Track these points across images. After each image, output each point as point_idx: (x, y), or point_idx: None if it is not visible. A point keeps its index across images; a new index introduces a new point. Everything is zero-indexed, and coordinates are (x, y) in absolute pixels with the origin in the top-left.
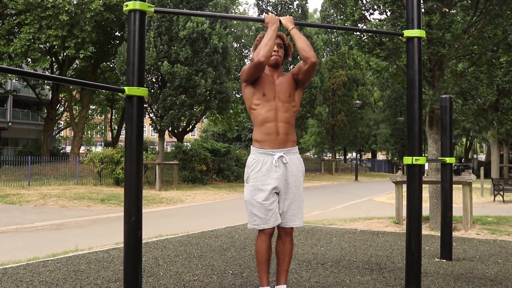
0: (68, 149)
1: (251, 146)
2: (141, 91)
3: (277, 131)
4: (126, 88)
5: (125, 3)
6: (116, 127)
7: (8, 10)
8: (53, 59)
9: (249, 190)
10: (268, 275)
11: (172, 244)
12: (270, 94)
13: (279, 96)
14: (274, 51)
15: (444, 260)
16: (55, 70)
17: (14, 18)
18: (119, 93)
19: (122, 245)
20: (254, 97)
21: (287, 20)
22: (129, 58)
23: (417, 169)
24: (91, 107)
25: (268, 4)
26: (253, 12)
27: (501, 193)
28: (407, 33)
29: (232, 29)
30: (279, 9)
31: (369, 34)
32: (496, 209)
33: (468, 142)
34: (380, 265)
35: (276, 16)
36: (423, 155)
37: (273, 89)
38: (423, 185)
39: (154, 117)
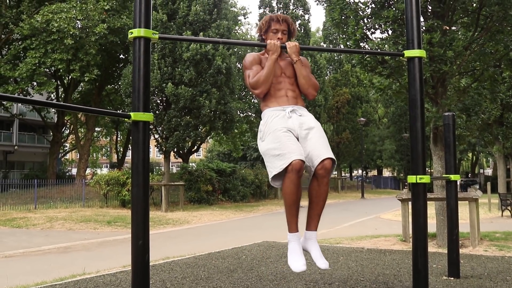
0: (74, 171)
1: (262, 112)
2: (147, 116)
3: (286, 95)
4: (132, 113)
5: (130, 31)
6: (121, 149)
7: (14, 35)
8: (59, 82)
9: (266, 140)
10: (297, 219)
11: (179, 266)
12: (277, 71)
13: (285, 72)
14: (279, 38)
15: (452, 278)
16: (60, 93)
17: (20, 43)
18: (125, 119)
19: (130, 268)
20: None
21: (292, 50)
22: (135, 84)
23: (422, 188)
24: (96, 129)
25: None
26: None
27: (509, 208)
28: (408, 53)
29: (235, 49)
30: None
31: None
32: (504, 225)
33: (474, 157)
34: (388, 284)
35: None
36: (428, 171)
37: (279, 67)
38: (429, 202)
39: (159, 138)
